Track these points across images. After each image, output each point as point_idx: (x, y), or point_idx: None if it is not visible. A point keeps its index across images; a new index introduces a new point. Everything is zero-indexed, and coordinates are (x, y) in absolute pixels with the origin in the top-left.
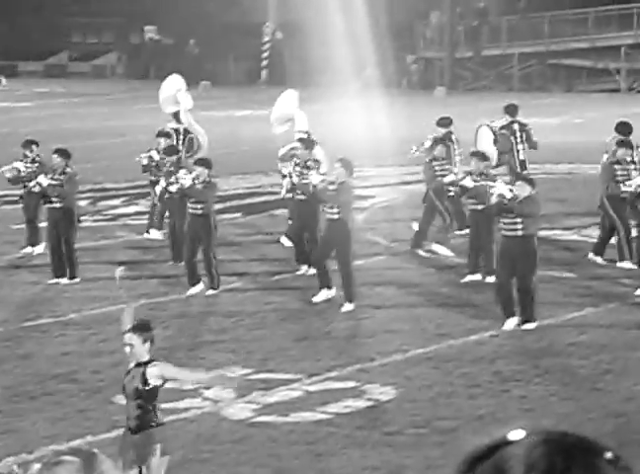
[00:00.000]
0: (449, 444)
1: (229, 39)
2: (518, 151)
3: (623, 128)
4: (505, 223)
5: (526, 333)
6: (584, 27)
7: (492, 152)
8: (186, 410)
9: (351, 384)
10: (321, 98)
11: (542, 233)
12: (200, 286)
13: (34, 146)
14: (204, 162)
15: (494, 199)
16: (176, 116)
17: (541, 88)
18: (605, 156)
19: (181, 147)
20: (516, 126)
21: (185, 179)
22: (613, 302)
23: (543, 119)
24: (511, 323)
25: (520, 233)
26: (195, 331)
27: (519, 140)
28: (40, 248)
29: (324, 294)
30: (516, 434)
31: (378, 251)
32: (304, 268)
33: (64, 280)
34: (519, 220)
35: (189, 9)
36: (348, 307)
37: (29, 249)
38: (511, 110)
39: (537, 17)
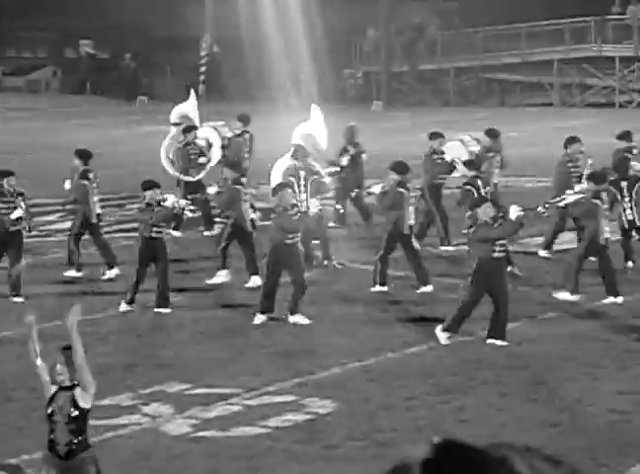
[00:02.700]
0: (388, 457)
1: (166, 53)
2: (247, 160)
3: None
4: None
5: (464, 345)
6: (517, 42)
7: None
8: (124, 426)
9: (290, 398)
10: (261, 113)
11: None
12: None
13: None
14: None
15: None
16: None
17: (476, 102)
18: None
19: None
20: (247, 136)
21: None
22: (548, 313)
23: (478, 133)
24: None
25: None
26: (133, 347)
27: (247, 149)
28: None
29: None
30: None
31: (316, 264)
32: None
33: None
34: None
35: (125, 23)
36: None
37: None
38: (244, 119)
39: (472, 32)
